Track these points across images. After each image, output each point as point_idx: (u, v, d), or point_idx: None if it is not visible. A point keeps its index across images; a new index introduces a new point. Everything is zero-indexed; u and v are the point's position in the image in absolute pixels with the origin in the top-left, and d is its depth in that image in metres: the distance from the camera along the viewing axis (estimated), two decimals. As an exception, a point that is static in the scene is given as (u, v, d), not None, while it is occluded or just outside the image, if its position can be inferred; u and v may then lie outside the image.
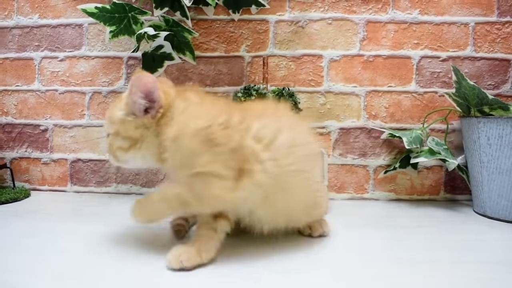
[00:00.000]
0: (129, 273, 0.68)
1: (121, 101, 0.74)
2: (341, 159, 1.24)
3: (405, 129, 1.21)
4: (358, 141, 1.23)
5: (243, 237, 0.85)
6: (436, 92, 1.22)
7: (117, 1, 1.04)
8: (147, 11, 1.07)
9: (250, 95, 1.08)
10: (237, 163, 0.68)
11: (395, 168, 1.20)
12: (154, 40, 1.11)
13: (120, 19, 1.09)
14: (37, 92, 1.30)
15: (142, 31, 1.03)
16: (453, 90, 1.12)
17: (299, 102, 1.11)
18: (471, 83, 1.05)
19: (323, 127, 1.23)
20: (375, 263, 0.74)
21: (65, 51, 1.29)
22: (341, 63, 1.22)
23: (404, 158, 1.19)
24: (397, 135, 1.15)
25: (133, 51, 1.07)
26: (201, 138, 0.67)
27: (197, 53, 1.22)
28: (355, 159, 1.24)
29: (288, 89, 1.10)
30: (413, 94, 1.22)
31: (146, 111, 0.72)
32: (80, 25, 1.27)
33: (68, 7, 1.27)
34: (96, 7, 1.05)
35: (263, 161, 0.69)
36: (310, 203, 0.80)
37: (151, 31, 1.04)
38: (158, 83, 0.72)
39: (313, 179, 0.80)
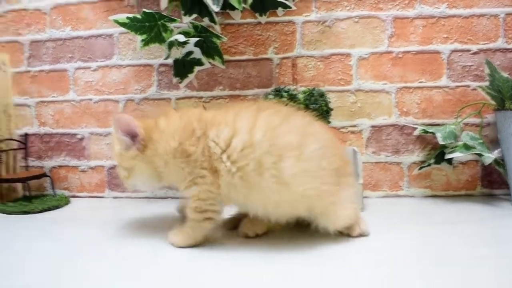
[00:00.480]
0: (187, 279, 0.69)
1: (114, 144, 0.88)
2: (375, 157, 1.23)
3: (438, 125, 1.20)
4: (390, 138, 1.23)
5: (281, 235, 0.86)
6: (468, 86, 1.20)
7: (147, 10, 1.06)
8: (176, 18, 1.09)
9: (281, 96, 1.08)
10: (208, 163, 0.81)
11: (429, 164, 1.19)
12: (184, 47, 1.13)
13: (150, 28, 1.11)
14: (72, 102, 1.34)
15: (172, 38, 1.05)
16: (486, 83, 1.10)
17: (330, 102, 1.12)
18: (505, 75, 1.03)
19: (355, 126, 1.23)
20: (419, 260, 0.74)
21: (97, 61, 1.32)
22: (370, 60, 1.22)
23: (439, 154, 1.18)
24: (430, 130, 1.14)
25: (165, 59, 1.09)
26: (178, 155, 0.81)
27: (225, 57, 1.23)
28: (389, 156, 1.23)
29: (319, 89, 1.11)
30: (444, 89, 1.21)
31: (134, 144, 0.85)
32: (110, 35, 1.31)
33: (98, 18, 1.31)
34: (127, 17, 1.08)
35: (224, 162, 0.79)
36: (294, 196, 0.78)
37: (181, 38, 1.06)
38: (135, 120, 0.85)
39: (289, 173, 0.77)
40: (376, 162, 1.24)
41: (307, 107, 1.07)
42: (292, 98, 1.08)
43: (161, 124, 0.87)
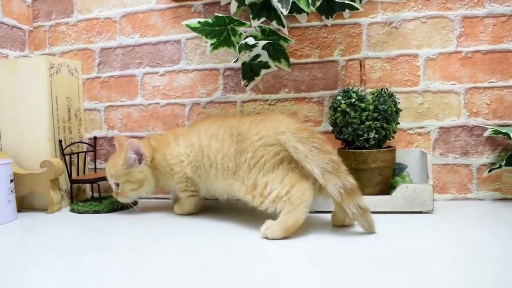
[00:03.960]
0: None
1: (118, 161, 1.13)
2: (442, 158, 1.21)
3: (509, 125, 1.17)
4: (459, 139, 1.20)
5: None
6: (541, 86, 1.17)
7: (219, 15, 1.09)
8: (245, 22, 1.12)
9: (350, 97, 1.09)
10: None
11: (500, 166, 1.16)
12: (252, 50, 1.15)
13: (220, 32, 1.14)
14: (140, 106, 1.39)
15: (243, 41, 1.08)
16: None
17: (399, 103, 1.11)
18: None
19: (422, 127, 1.22)
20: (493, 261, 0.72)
21: (164, 66, 1.36)
22: (438, 61, 1.20)
23: (510, 156, 1.15)
24: (503, 131, 1.12)
25: (234, 62, 1.11)
26: (169, 168, 1.13)
27: (291, 60, 1.25)
28: (457, 158, 1.21)
29: (387, 89, 1.10)
30: (516, 88, 1.18)
31: (140, 161, 1.13)
32: (178, 41, 1.35)
33: (166, 25, 1.35)
34: (199, 22, 1.11)
35: (187, 162, 1.11)
36: (229, 184, 1.01)
37: (251, 41, 1.08)
38: (142, 144, 1.13)
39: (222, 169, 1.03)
40: (444, 164, 1.22)
41: (376, 108, 1.07)
42: (361, 99, 1.08)
43: (154, 145, 1.17)
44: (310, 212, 0.90)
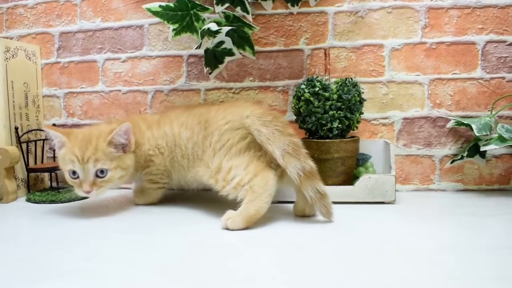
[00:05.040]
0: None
1: (99, 142, 0.97)
2: (406, 149, 1.22)
3: (471, 117, 1.18)
4: (422, 130, 1.21)
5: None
6: (503, 78, 1.18)
7: (180, -1, 1.06)
8: (209, 7, 1.09)
9: (314, 86, 1.07)
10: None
11: (462, 157, 1.16)
12: (215, 36, 1.12)
13: (182, 17, 1.10)
14: (101, 93, 1.35)
15: (205, 27, 1.05)
16: (524, 74, 1.08)
17: (363, 93, 1.10)
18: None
19: (386, 118, 1.21)
20: (450, 250, 0.72)
21: (127, 52, 1.32)
22: (403, 51, 1.20)
23: (472, 147, 1.16)
24: (465, 122, 1.12)
25: (196, 48, 1.08)
26: (143, 159, 1.07)
27: (256, 48, 1.23)
28: (420, 149, 1.21)
29: (351, 79, 1.09)
30: (479, 80, 1.18)
31: (124, 148, 1.01)
32: (141, 26, 1.31)
33: (129, 9, 1.31)
34: (160, 6, 1.07)
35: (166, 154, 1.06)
36: (196, 171, 0.99)
37: (214, 27, 1.05)
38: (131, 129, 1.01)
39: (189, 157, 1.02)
40: (407, 155, 1.22)
41: (340, 97, 1.06)
42: (325, 88, 1.06)
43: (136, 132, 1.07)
44: (273, 202, 0.89)
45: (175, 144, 1.04)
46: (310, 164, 0.88)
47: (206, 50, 1.17)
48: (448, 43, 1.19)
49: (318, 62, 1.23)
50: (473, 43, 1.18)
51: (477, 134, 1.08)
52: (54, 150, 1.36)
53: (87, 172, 0.95)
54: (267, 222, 0.91)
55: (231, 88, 1.27)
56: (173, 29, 1.11)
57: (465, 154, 1.16)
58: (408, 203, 1.07)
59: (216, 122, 0.97)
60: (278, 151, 0.87)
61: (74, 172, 0.96)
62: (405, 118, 1.21)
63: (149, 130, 1.09)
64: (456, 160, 1.17)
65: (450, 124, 1.18)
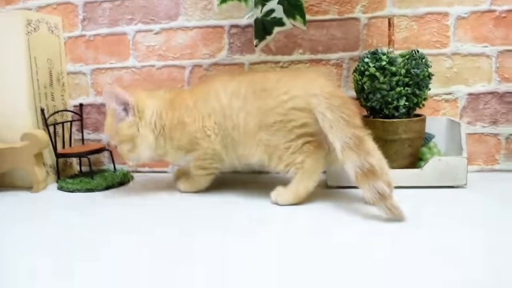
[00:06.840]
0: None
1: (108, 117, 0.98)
2: (470, 127, 1.12)
3: (543, 92, 1.08)
4: (488, 107, 1.11)
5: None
6: None
7: (230, -38, 0.94)
8: (260, -28, 0.97)
9: (379, 60, 0.97)
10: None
11: (531, 136, 1.07)
12: (266, 4, 1.01)
13: (230, -18, 0.99)
14: (132, 69, 1.23)
15: (258, -7, 0.93)
16: None
17: (431, 66, 1.00)
18: None
19: (450, 93, 1.11)
20: None
21: (160, 23, 1.20)
22: (470, 20, 1.09)
23: (543, 124, 1.07)
24: (541, 98, 1.03)
25: (248, 17, 0.97)
26: (187, 141, 0.97)
27: (307, 17, 1.10)
28: (485, 127, 1.12)
29: (417, 51, 0.99)
30: (550, 52, 1.08)
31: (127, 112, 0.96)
32: (175, -6, 1.18)
33: (162, -26, 1.18)
34: (206, -30, 0.95)
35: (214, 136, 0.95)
36: (249, 146, 0.93)
37: (266, -7, 0.94)
38: (120, 88, 0.96)
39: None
40: (471, 134, 1.12)
41: (408, 72, 0.95)
42: (391, 62, 0.96)
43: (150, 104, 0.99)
44: (336, 187, 0.92)
45: (224, 116, 0.93)
46: (371, 161, 0.79)
47: (256, 20, 1.05)
48: (519, 10, 1.08)
49: (375, 32, 1.12)
50: (545, 10, 1.07)
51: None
52: (82, 132, 1.25)
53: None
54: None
55: (278, 62, 1.16)
56: (220, -3, 1.00)
57: (535, 132, 1.07)
58: (478, 187, 0.98)
59: (278, 97, 0.88)
60: (338, 143, 0.82)
61: None
62: (470, 94, 1.11)
63: (195, 106, 0.96)
64: (524, 138, 1.08)
65: (520, 100, 1.08)
